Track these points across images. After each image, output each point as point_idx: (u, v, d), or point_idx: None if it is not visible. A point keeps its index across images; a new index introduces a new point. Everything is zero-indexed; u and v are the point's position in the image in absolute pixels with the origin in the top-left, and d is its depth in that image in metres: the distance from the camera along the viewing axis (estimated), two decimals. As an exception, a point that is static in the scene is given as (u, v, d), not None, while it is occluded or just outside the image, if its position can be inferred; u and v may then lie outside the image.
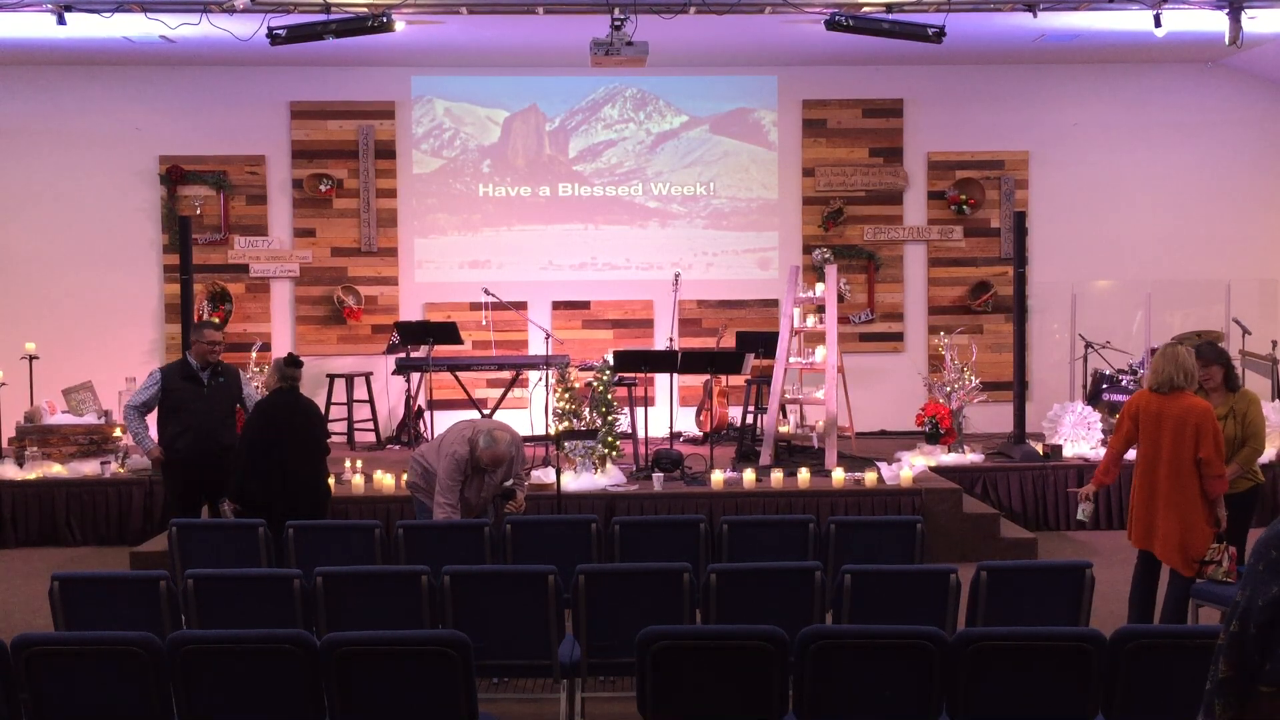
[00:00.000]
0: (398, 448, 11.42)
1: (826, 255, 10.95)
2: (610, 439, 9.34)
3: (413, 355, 11.38)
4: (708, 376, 11.27)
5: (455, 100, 12.72)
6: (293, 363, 7.25)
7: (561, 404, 9.55)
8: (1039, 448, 10.36)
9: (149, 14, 9.77)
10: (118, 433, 10.45)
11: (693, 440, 11.74)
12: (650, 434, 10.20)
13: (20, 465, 9.99)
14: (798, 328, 10.52)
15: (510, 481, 7.08)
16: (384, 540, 6.42)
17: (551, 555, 5.80)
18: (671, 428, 11.78)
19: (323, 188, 12.48)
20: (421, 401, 11.62)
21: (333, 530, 6.84)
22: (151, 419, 8.03)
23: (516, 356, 11.95)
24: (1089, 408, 10.58)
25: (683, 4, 9.59)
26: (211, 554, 6.43)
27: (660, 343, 12.28)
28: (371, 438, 11.80)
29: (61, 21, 9.66)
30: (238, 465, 7.18)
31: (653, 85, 12.71)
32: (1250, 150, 12.83)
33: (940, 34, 9.79)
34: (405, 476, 8.68)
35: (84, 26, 10.07)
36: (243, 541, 6.46)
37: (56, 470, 9.93)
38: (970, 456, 10.21)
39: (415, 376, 11.46)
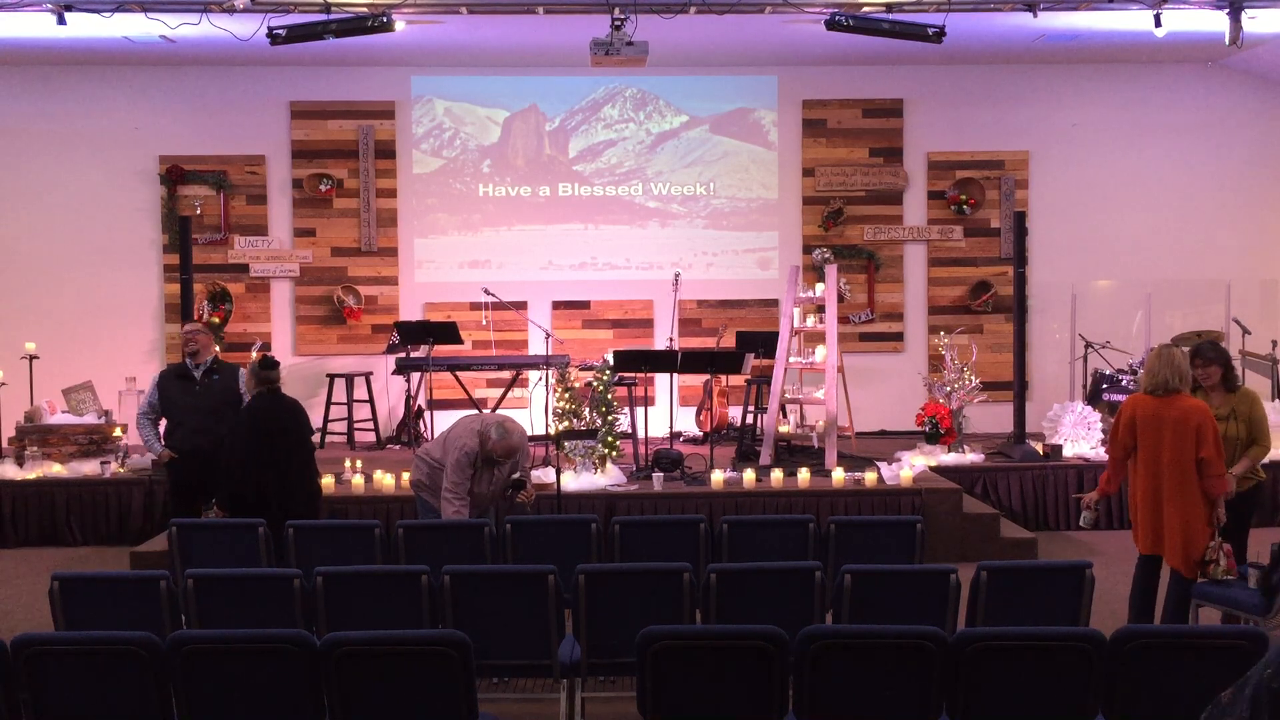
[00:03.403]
0: (398, 448, 11.42)
1: (826, 255, 10.95)
2: (610, 439, 9.34)
3: (413, 355, 11.38)
4: (708, 376, 11.27)
5: (455, 100, 12.72)
6: (267, 365, 7.18)
7: (561, 404, 9.55)
8: (1039, 448, 10.36)
9: (149, 14, 9.77)
10: (118, 432, 10.45)
11: (693, 440, 11.74)
12: (650, 434, 10.20)
13: (20, 465, 9.99)
14: (798, 328, 10.52)
15: (517, 474, 7.07)
16: (384, 540, 6.42)
17: (551, 555, 5.80)
18: (671, 428, 11.79)
19: (323, 187, 12.49)
20: (421, 401, 11.62)
21: (333, 530, 6.84)
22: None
23: (516, 356, 11.95)
24: (1089, 408, 10.58)
25: (683, 4, 9.59)
26: (211, 554, 6.42)
27: (660, 343, 12.28)
28: (371, 438, 11.81)
29: (61, 21, 9.66)
30: (227, 471, 7.13)
31: (653, 85, 12.71)
32: (1250, 150, 12.83)
33: (940, 34, 9.79)
34: (408, 475, 8.69)
35: (84, 26, 10.07)
36: (243, 541, 6.46)
37: (56, 470, 9.93)
38: (970, 456, 10.21)
39: (415, 376, 11.46)
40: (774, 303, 12.53)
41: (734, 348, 11.18)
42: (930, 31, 9.79)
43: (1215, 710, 2.53)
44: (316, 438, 10.32)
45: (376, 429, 11.83)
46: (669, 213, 12.82)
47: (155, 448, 8.07)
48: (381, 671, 4.28)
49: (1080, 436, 10.36)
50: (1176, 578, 6.23)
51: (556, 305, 12.66)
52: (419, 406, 11.67)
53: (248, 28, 9.73)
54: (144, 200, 12.52)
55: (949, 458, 10.12)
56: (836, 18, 9.75)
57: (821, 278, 10.49)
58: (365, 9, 9.66)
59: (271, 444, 7.01)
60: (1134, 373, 10.89)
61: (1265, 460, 6.86)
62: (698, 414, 11.97)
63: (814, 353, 10.39)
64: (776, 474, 9.11)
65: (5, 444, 10.62)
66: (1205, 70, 12.68)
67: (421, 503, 7.23)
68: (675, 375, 11.75)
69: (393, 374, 11.69)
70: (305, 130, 12.56)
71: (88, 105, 12.42)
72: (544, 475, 8.82)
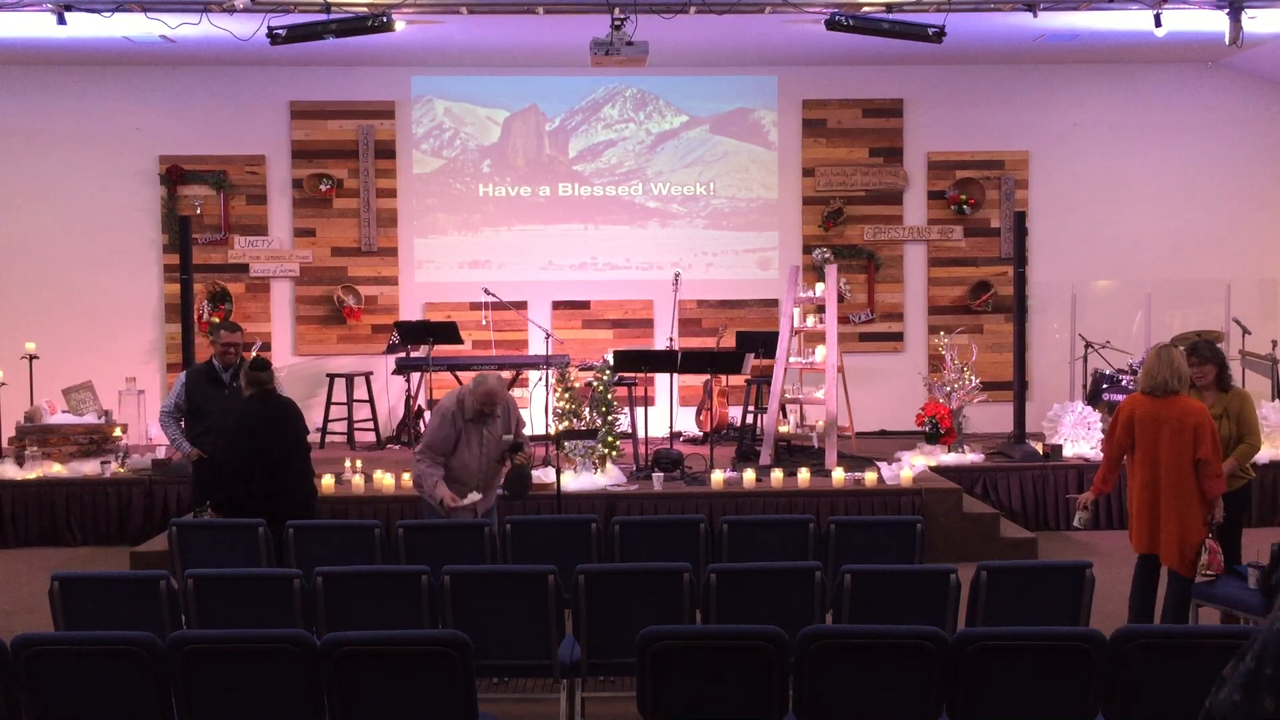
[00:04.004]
0: (398, 448, 11.41)
1: (826, 255, 10.95)
2: (610, 439, 9.34)
3: (413, 355, 11.39)
4: (708, 376, 11.27)
5: (455, 100, 12.72)
6: (258, 366, 7.13)
7: (561, 404, 9.55)
8: (1039, 448, 10.36)
9: (149, 14, 9.77)
10: (118, 432, 10.46)
11: (693, 440, 11.74)
12: (650, 434, 10.20)
13: (20, 465, 9.99)
14: (798, 328, 10.52)
15: (510, 435, 6.99)
16: (384, 540, 6.42)
17: (551, 555, 5.80)
18: (671, 428, 11.79)
19: (323, 187, 12.49)
20: (421, 401, 11.62)
21: (333, 530, 6.84)
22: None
23: (516, 356, 11.95)
24: (1089, 408, 10.58)
25: (683, 4, 9.59)
26: (211, 554, 6.42)
27: (660, 343, 12.28)
28: (371, 438, 11.80)
29: (61, 21, 9.66)
30: (222, 473, 7.10)
31: (653, 85, 12.71)
32: (1250, 150, 12.83)
33: (940, 34, 9.79)
34: (408, 475, 8.70)
35: (84, 26, 10.07)
36: (243, 541, 6.46)
37: (56, 470, 9.93)
38: (970, 456, 10.21)
39: (415, 376, 11.47)
40: (774, 303, 12.53)
41: (734, 348, 11.18)
42: (930, 31, 9.79)
43: (1220, 684, 2.52)
44: (316, 438, 10.34)
45: (376, 429, 11.83)
46: (669, 213, 12.82)
47: (184, 447, 8.14)
48: (381, 671, 4.28)
49: (1080, 436, 10.36)
50: (1175, 578, 6.23)
51: (556, 305, 12.67)
52: (419, 406, 11.66)
53: (248, 28, 9.73)
54: (144, 200, 12.52)
55: (949, 458, 10.12)
56: (836, 18, 9.75)
57: (821, 278, 10.49)
58: (365, 9, 9.66)
59: (264, 447, 6.96)
60: (1134, 373, 10.89)
61: (1257, 459, 6.88)
62: (698, 414, 11.97)
63: (814, 353, 10.39)
64: (776, 474, 9.11)
65: (5, 444, 10.63)
66: (1205, 70, 12.68)
67: (424, 501, 7.20)
68: (675, 375, 11.75)
69: (393, 374, 11.69)
70: (305, 130, 12.56)
71: (88, 105, 12.41)
72: (544, 475, 8.82)
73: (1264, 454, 9.95)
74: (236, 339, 8.15)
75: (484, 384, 6.82)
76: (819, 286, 10.40)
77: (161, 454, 9.94)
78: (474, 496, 6.81)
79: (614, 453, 9.38)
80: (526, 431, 7.24)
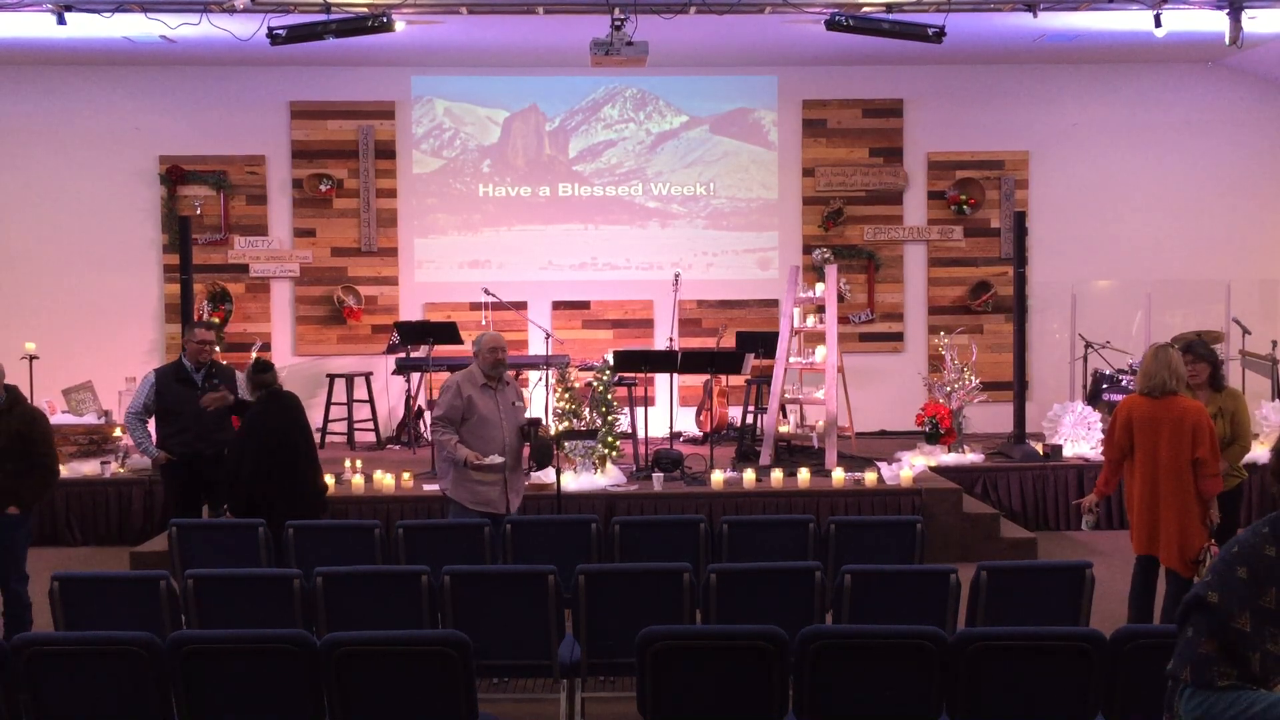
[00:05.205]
0: (398, 448, 11.42)
1: (826, 255, 10.95)
2: (610, 439, 9.33)
3: (413, 355, 11.39)
4: (708, 376, 11.27)
5: (455, 100, 12.72)
6: (261, 369, 7.13)
7: (561, 404, 9.54)
8: (1039, 448, 10.36)
9: (149, 14, 9.77)
10: (118, 433, 10.45)
11: (693, 440, 11.74)
12: (650, 434, 10.20)
13: (20, 465, 9.96)
14: (798, 328, 10.52)
15: (521, 403, 7.11)
16: (384, 540, 6.42)
17: (551, 555, 5.80)
18: (671, 428, 11.79)
19: (323, 188, 12.48)
20: (421, 401, 11.62)
21: (333, 530, 6.84)
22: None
23: (516, 356, 11.92)
24: (1089, 408, 10.58)
25: (683, 4, 9.59)
26: (211, 554, 6.42)
27: (660, 343, 12.28)
28: (371, 438, 11.80)
29: (61, 21, 9.66)
30: (231, 475, 7.09)
31: (653, 85, 12.71)
32: (1250, 150, 12.83)
33: (940, 34, 9.79)
34: (408, 475, 8.71)
35: (84, 26, 10.07)
36: (243, 541, 6.46)
37: (56, 470, 9.92)
38: (970, 456, 10.20)
39: (415, 376, 11.47)
40: (774, 303, 12.53)
41: (734, 348, 11.17)
42: (930, 31, 9.79)
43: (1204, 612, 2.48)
44: (316, 437, 10.33)
45: (376, 429, 11.83)
46: (669, 213, 12.82)
47: (151, 450, 7.91)
48: (381, 671, 4.28)
49: (1080, 436, 10.35)
50: (1174, 578, 6.24)
51: (556, 305, 12.66)
52: (419, 406, 11.66)
53: (248, 28, 9.73)
54: (144, 200, 12.52)
55: (949, 458, 10.12)
56: (836, 18, 9.75)
57: (821, 278, 10.49)
58: (365, 9, 9.66)
59: (272, 448, 6.96)
60: (1134, 372, 10.88)
61: (1258, 459, 6.89)
62: (698, 414, 11.97)
63: (814, 353, 10.39)
64: (776, 474, 9.11)
65: (5, 444, 10.60)
66: (1205, 70, 12.68)
67: (454, 505, 7.11)
68: (675, 375, 11.75)
69: (393, 374, 11.69)
70: (305, 130, 12.56)
71: (88, 105, 12.41)
72: (544, 475, 8.81)
73: (1265, 454, 9.96)
74: (211, 337, 7.97)
75: (485, 335, 7.00)
76: (819, 286, 10.40)
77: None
78: (495, 458, 6.80)
79: (614, 453, 9.37)
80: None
